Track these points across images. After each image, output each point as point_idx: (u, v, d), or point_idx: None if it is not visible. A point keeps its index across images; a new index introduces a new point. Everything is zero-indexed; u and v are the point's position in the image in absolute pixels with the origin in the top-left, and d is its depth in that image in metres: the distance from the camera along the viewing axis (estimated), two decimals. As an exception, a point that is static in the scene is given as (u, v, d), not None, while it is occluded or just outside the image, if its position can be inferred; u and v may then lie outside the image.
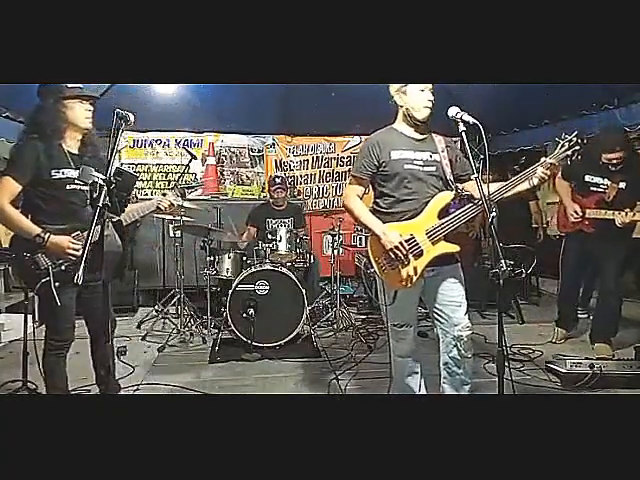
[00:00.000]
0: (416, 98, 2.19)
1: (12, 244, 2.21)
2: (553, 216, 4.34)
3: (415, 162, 2.21)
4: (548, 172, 2.11)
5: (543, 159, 2.15)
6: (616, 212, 3.18)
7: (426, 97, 2.17)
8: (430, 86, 2.18)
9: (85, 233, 1.78)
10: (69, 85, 2.17)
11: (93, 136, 2.32)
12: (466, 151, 2.06)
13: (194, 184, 2.84)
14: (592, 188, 3.40)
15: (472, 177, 2.01)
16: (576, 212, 3.40)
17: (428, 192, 2.21)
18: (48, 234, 2.09)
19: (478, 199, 2.07)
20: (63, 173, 2.17)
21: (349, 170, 6.04)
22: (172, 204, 2.46)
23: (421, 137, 2.27)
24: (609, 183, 3.32)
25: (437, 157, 2.25)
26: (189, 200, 2.74)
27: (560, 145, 2.18)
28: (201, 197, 5.33)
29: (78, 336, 2.35)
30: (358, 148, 6.02)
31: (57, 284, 1.61)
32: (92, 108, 2.24)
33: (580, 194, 3.48)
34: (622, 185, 3.27)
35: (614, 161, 3.25)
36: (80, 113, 2.21)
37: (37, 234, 2.08)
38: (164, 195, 2.50)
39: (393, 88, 2.24)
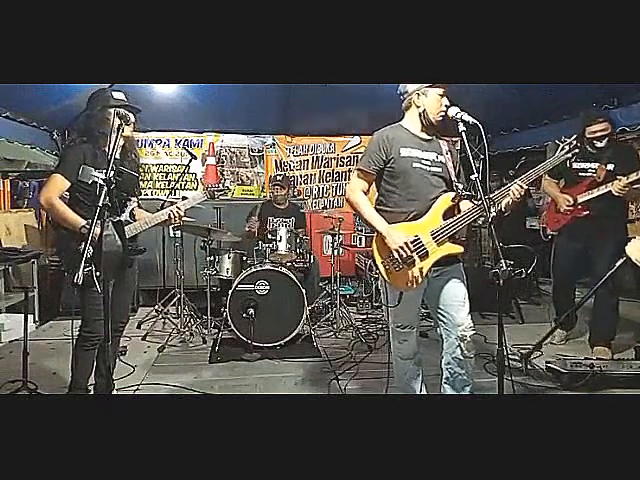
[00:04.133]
0: (435, 102, 2.17)
1: (59, 236, 2.43)
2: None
3: (423, 162, 2.20)
4: (522, 190, 2.15)
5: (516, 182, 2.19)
6: (608, 184, 3.15)
7: (443, 102, 2.16)
8: (444, 91, 2.18)
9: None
10: (115, 96, 2.41)
11: (133, 143, 2.60)
12: (466, 151, 2.05)
13: (222, 187, 2.92)
14: (581, 174, 3.38)
15: (472, 177, 2.00)
16: (568, 200, 3.40)
17: (433, 193, 2.21)
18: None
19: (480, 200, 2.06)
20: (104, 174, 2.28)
21: (349, 170, 6.04)
22: (181, 215, 2.59)
23: (428, 137, 2.26)
24: (597, 165, 3.29)
25: (442, 159, 2.25)
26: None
27: (561, 148, 2.22)
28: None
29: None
30: (359, 147, 6.03)
31: (98, 274, 1.71)
32: (134, 119, 2.44)
33: (569, 187, 3.48)
34: (610, 167, 3.25)
35: (598, 134, 3.23)
36: None
37: (82, 225, 2.27)
38: (184, 198, 2.69)
39: (412, 87, 2.21)
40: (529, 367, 3.22)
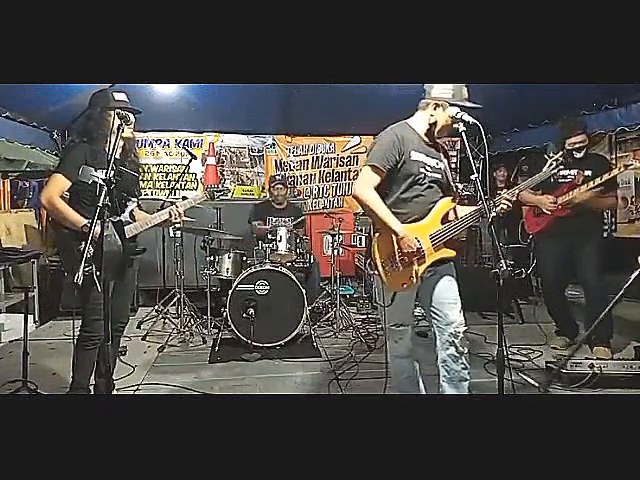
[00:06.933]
0: (447, 120, 2.16)
1: (59, 236, 2.43)
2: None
3: (426, 167, 2.22)
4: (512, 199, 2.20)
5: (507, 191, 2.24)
6: (590, 182, 3.27)
7: (454, 122, 2.14)
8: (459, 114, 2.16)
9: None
10: (116, 97, 2.43)
11: (134, 143, 2.61)
12: (466, 151, 2.06)
13: (221, 188, 2.91)
14: (561, 181, 3.50)
15: (472, 177, 2.01)
16: (549, 198, 3.45)
17: (433, 197, 2.23)
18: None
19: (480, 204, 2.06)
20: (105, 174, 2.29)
21: (349, 170, 6.05)
22: (182, 214, 2.61)
23: (431, 143, 2.28)
24: (576, 172, 3.43)
25: (442, 165, 2.27)
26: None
27: (548, 164, 2.28)
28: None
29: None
30: (359, 147, 6.03)
31: (98, 273, 1.72)
32: (134, 120, 2.46)
33: (549, 192, 3.51)
34: (588, 173, 3.39)
35: (577, 145, 3.40)
36: None
37: (84, 224, 2.29)
38: (184, 198, 2.70)
39: (435, 93, 2.18)
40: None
